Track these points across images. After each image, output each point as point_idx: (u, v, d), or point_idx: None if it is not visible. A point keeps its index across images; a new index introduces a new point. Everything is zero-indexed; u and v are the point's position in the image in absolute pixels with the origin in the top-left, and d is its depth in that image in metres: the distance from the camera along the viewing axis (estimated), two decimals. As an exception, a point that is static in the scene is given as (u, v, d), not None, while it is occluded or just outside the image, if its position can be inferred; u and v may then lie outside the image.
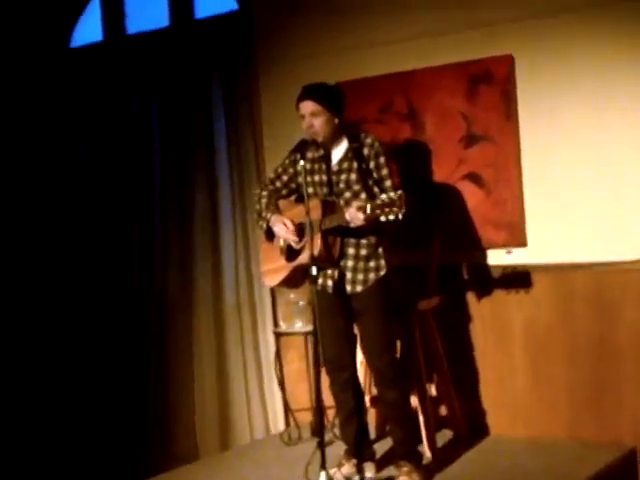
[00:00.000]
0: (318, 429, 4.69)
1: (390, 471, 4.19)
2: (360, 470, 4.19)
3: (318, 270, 3.87)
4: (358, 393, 4.26)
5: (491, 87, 4.62)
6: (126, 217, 5.94)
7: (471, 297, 4.80)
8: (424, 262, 4.65)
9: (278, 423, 5.51)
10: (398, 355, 4.16)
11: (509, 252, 4.68)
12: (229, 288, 5.58)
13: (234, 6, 5.53)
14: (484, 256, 4.74)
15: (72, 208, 6.11)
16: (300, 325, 4.98)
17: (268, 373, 5.53)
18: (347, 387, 4.19)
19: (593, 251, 4.47)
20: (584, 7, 4.41)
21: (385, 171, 3.98)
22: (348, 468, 4.18)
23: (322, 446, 3.84)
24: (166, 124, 5.75)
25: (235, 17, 5.48)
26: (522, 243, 4.64)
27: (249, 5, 5.42)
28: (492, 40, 4.61)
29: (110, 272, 6.00)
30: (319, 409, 3.92)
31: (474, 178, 4.73)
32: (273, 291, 5.48)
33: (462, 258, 4.80)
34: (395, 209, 3.64)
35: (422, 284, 4.63)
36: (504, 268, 4.69)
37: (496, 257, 4.71)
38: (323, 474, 3.83)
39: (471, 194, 4.74)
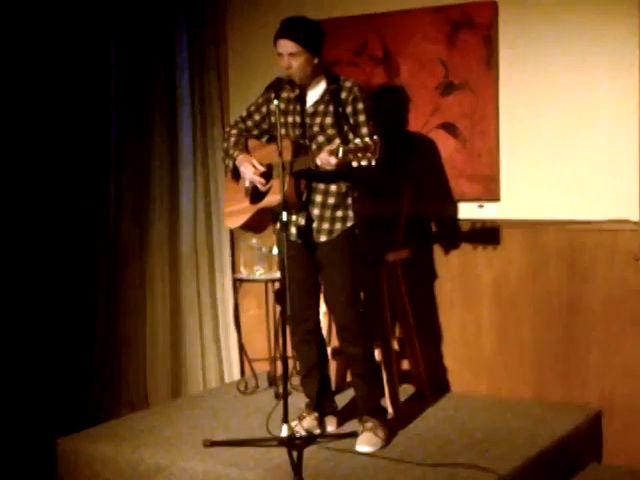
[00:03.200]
0: (277, 380, 4.65)
1: (353, 425, 4.10)
2: (321, 424, 4.12)
3: (288, 215, 3.72)
4: (321, 346, 4.15)
5: (472, 33, 4.45)
6: (78, 155, 5.64)
7: (440, 251, 4.68)
8: (393, 212, 4.52)
9: (233, 372, 5.38)
10: (363, 308, 4.01)
11: (481, 206, 4.56)
12: (186, 232, 5.36)
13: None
14: (455, 209, 4.61)
15: (24, 150, 5.80)
16: (261, 272, 4.82)
17: (224, 320, 5.38)
18: (309, 339, 4.08)
19: (567, 209, 4.36)
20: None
21: (362, 117, 3.82)
22: (309, 421, 4.08)
23: (285, 399, 3.74)
24: (125, 61, 5.45)
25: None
26: (495, 198, 4.52)
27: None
28: (475, -16, 4.43)
29: (60, 211, 5.72)
30: (284, 361, 3.78)
31: (449, 128, 4.57)
32: (233, 236, 5.32)
33: (433, 210, 4.67)
34: (369, 154, 3.48)
35: (391, 235, 4.50)
36: (474, 222, 4.58)
37: (468, 211, 4.59)
38: (285, 427, 3.73)
39: (445, 144, 4.59)
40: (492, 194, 4.51)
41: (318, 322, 4.14)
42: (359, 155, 3.50)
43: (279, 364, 4.74)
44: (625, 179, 4.19)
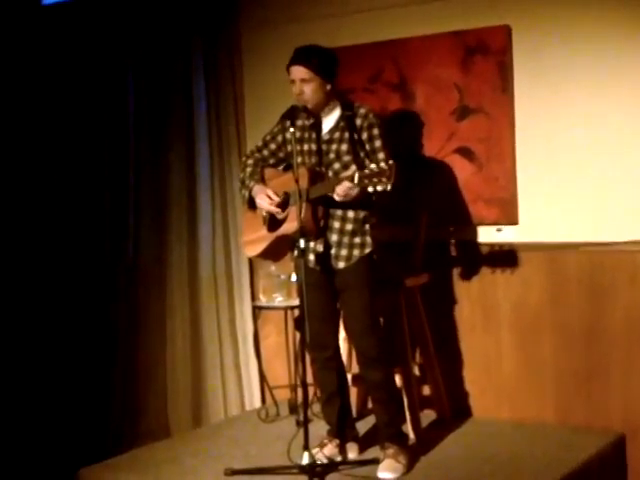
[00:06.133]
0: (298, 407, 4.63)
1: (374, 452, 4.07)
2: (343, 451, 4.09)
3: (306, 242, 3.72)
4: (340, 372, 4.13)
5: (487, 58, 4.46)
6: (98, 184, 5.70)
7: (459, 275, 4.67)
8: (412, 238, 4.51)
9: (254, 400, 5.37)
10: (382, 334, 4.00)
11: (499, 230, 4.55)
12: (205, 259, 5.39)
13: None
14: (474, 233, 4.60)
15: (43, 174, 5.86)
16: (280, 299, 4.83)
17: (244, 347, 5.39)
18: (329, 366, 4.06)
19: (586, 231, 4.34)
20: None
21: (378, 143, 3.82)
22: (331, 448, 4.06)
23: (306, 427, 3.73)
24: (143, 90, 5.52)
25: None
26: (513, 221, 4.51)
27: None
28: (489, 9, 4.45)
29: (81, 239, 5.77)
30: (304, 388, 3.78)
31: (465, 152, 4.58)
32: (252, 263, 5.33)
33: (451, 234, 4.67)
34: (384, 179, 3.48)
35: (409, 260, 4.49)
36: (493, 246, 4.56)
37: (486, 235, 4.58)
38: (306, 454, 3.72)
39: (462, 169, 4.59)
40: (510, 217, 4.50)
41: (338, 348, 4.12)
42: (375, 180, 3.50)
43: (300, 391, 4.75)
44: (643, 200, 4.18)
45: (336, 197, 3.66)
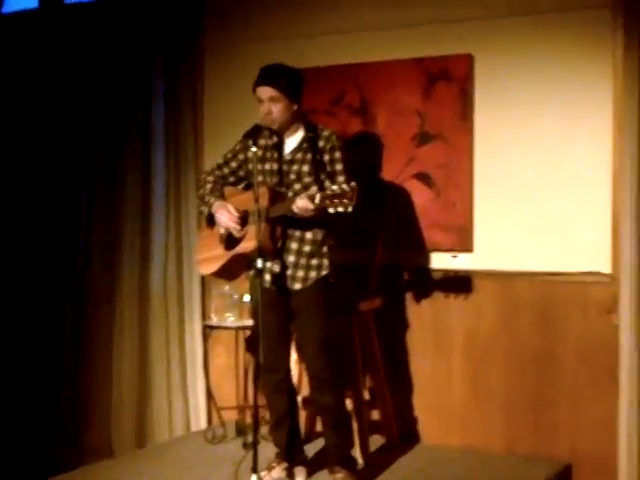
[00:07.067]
0: (245, 429, 4.58)
1: (322, 476, 4.04)
2: (291, 474, 4.05)
3: (263, 262, 3.69)
4: (291, 395, 4.09)
5: (449, 85, 4.50)
6: (50, 200, 5.61)
7: (412, 300, 4.67)
8: (367, 261, 4.50)
9: (200, 420, 5.29)
10: (336, 357, 3.97)
11: (454, 257, 4.57)
12: (156, 277, 5.32)
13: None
14: (429, 259, 4.62)
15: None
16: (232, 319, 4.77)
17: (192, 367, 5.31)
18: (280, 388, 4.02)
19: (540, 261, 4.39)
20: (546, 10, 4.32)
21: (339, 166, 3.81)
22: (279, 472, 4.03)
23: (255, 449, 3.67)
24: (100, 106, 5.44)
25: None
26: (468, 248, 4.53)
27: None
28: (452, 37, 4.50)
29: (30, 256, 5.67)
30: (255, 410, 3.73)
31: (424, 178, 4.60)
32: (204, 282, 5.27)
33: (406, 259, 4.67)
34: (346, 201, 3.48)
35: (364, 284, 4.48)
36: (447, 272, 4.58)
37: (441, 261, 4.60)
38: (254, 477, 3.67)
39: (420, 194, 4.61)
40: (465, 245, 4.52)
41: (289, 371, 4.09)
42: (336, 201, 3.49)
43: (247, 413, 4.70)
44: (597, 232, 4.22)
45: (294, 209, 3.63)
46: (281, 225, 3.80)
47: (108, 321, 5.39)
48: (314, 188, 3.72)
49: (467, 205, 4.51)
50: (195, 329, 5.29)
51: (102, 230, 5.43)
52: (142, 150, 5.31)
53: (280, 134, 3.86)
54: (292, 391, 4.10)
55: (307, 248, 3.85)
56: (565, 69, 4.27)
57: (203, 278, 5.23)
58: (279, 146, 3.87)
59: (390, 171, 4.67)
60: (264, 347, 3.63)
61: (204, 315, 5.28)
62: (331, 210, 3.51)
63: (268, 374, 3.95)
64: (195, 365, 5.29)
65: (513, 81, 4.38)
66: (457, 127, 4.49)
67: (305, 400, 4.43)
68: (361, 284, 4.48)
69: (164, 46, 5.26)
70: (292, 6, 4.88)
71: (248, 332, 4.76)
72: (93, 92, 5.44)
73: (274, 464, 4.04)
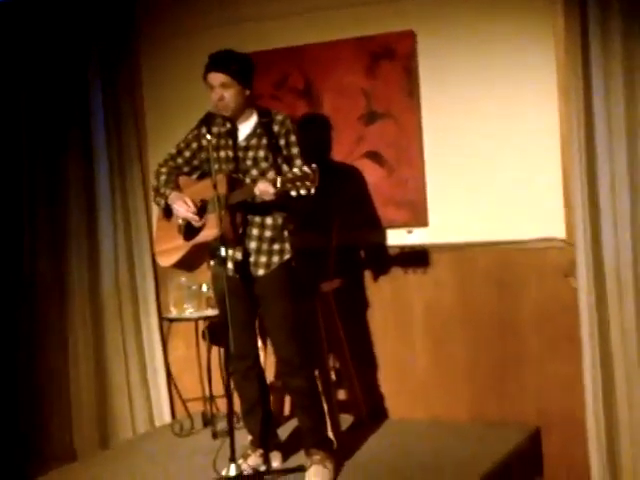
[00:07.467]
0: (213, 419, 4.56)
1: (297, 459, 4.05)
2: (267, 460, 4.04)
3: (226, 251, 3.67)
4: (261, 380, 4.07)
5: (392, 63, 4.51)
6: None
7: (371, 278, 4.70)
8: (324, 244, 4.51)
9: (163, 415, 5.25)
10: (304, 340, 3.97)
11: (410, 232, 4.60)
12: (107, 273, 5.25)
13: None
14: (385, 236, 4.65)
15: None
16: (191, 310, 4.73)
17: (152, 361, 5.28)
18: (250, 375, 4.00)
19: (495, 231, 4.44)
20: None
21: (296, 150, 3.80)
22: (254, 459, 4.01)
23: (232, 437, 3.67)
24: (37, 107, 5.31)
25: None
26: (423, 223, 4.57)
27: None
28: (393, 15, 4.51)
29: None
30: (228, 398, 3.73)
31: (375, 156, 4.62)
32: (157, 276, 5.22)
33: (362, 238, 4.70)
34: (308, 183, 3.46)
35: (322, 266, 4.49)
36: (403, 248, 4.61)
37: (397, 237, 4.63)
38: (233, 466, 3.67)
39: (372, 173, 4.63)
40: (420, 220, 4.56)
41: (258, 357, 4.08)
42: (298, 184, 3.47)
43: (213, 403, 4.68)
44: (550, 198, 4.29)
45: (256, 191, 3.59)
46: (241, 212, 3.78)
47: (61, 321, 5.31)
48: (272, 172, 3.68)
49: (419, 180, 4.54)
50: (152, 323, 5.27)
51: (48, 229, 5.34)
52: (83, 150, 5.23)
53: (233, 121, 3.82)
54: (262, 377, 4.09)
55: (268, 233, 3.83)
56: (508, 41, 4.31)
57: (157, 272, 5.19)
58: (233, 133, 3.83)
59: (340, 152, 4.68)
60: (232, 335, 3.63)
61: (159, 308, 5.23)
62: (293, 193, 3.49)
63: (237, 361, 3.92)
64: (154, 359, 5.26)
65: (457, 56, 4.41)
66: (404, 104, 4.52)
67: (271, 385, 4.43)
68: (320, 266, 4.48)
69: (99, 47, 5.18)
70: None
71: (207, 322, 4.72)
72: (29, 97, 5.33)
73: (249, 451, 4.03)
